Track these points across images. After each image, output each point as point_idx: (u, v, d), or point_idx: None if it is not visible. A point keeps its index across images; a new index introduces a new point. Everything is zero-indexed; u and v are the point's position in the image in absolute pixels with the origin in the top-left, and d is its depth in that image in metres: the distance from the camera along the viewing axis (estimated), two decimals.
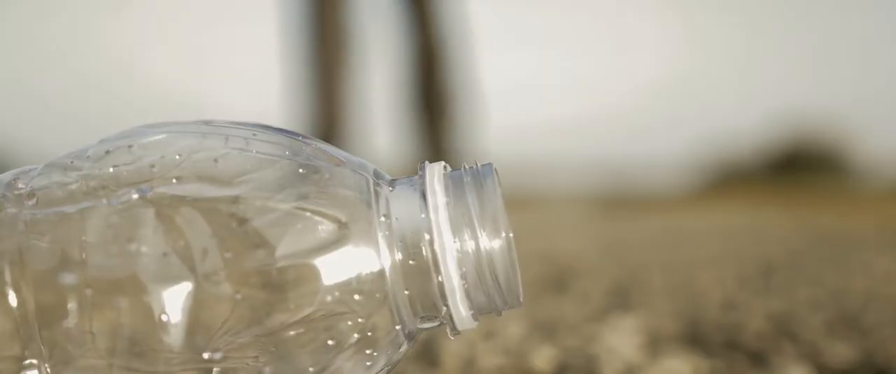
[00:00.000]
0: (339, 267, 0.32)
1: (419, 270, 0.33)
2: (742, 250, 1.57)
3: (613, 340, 0.64)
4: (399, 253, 0.33)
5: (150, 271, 0.31)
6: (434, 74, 2.38)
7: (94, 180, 0.33)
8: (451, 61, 2.40)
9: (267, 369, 0.32)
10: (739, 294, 0.92)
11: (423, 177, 0.34)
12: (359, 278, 0.32)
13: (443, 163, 0.35)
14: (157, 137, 0.34)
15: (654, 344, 0.63)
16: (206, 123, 0.35)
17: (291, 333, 0.31)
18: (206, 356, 0.31)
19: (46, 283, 0.31)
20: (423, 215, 0.33)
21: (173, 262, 0.31)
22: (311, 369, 0.32)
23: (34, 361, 0.32)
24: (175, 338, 0.31)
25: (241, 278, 0.31)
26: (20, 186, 0.33)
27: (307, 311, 0.31)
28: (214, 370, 0.31)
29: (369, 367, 0.33)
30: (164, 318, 0.31)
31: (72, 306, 0.31)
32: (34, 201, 0.33)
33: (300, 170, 0.33)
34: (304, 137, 0.35)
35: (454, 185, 0.34)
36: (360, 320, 0.32)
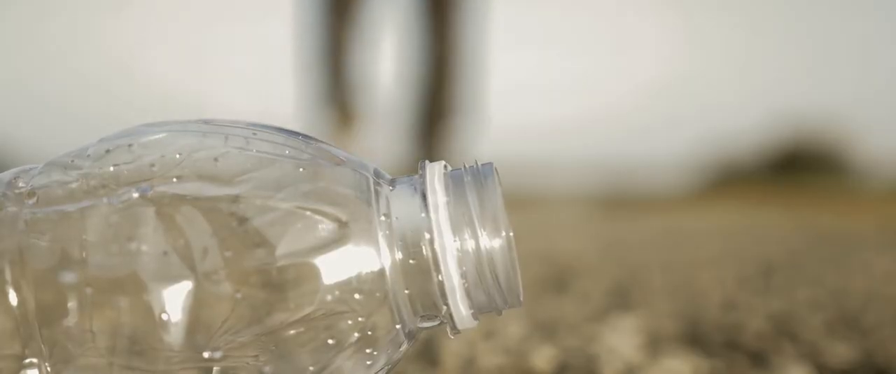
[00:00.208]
0: (339, 266, 0.32)
1: (419, 269, 0.33)
2: (742, 250, 1.57)
3: (613, 340, 0.64)
4: (399, 252, 0.33)
5: (150, 269, 0.31)
6: (444, 79, 2.37)
7: (95, 179, 0.33)
8: (463, 67, 2.39)
9: (267, 368, 0.32)
10: (739, 294, 0.92)
11: (423, 176, 0.34)
12: (359, 277, 0.32)
13: (443, 162, 0.35)
14: (157, 136, 0.34)
15: (654, 344, 0.63)
16: (207, 122, 0.35)
17: (291, 332, 0.31)
18: (206, 354, 0.31)
19: (47, 282, 0.31)
20: (423, 215, 0.33)
21: (173, 261, 0.31)
22: (311, 368, 0.32)
23: (34, 359, 0.32)
24: (175, 337, 0.31)
25: (241, 277, 0.31)
26: (20, 184, 0.33)
27: (307, 310, 0.31)
28: (214, 368, 0.31)
29: (369, 366, 0.33)
30: (164, 317, 0.31)
31: (72, 304, 0.31)
32: (34, 199, 0.33)
33: (300, 169, 0.33)
34: (304, 135, 0.35)
35: (454, 184, 0.34)
36: (360, 319, 0.32)
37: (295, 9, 2.48)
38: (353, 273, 0.32)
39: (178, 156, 0.33)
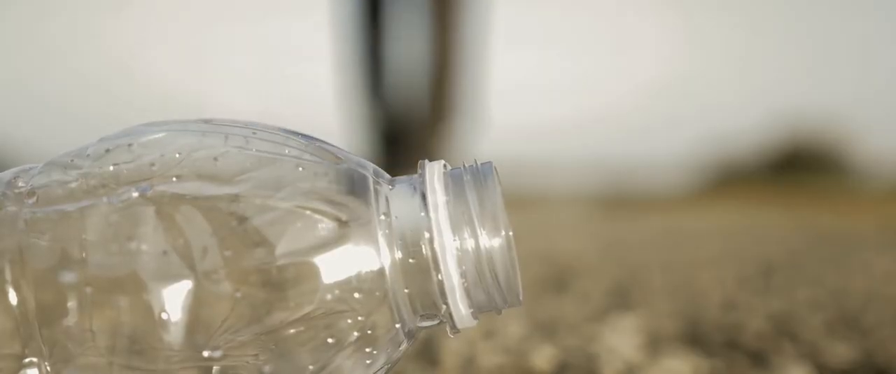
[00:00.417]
0: (338, 265, 0.32)
1: (419, 268, 0.33)
2: (742, 250, 1.57)
3: (613, 340, 0.64)
4: (399, 251, 0.33)
5: (150, 269, 0.31)
6: (446, 79, 2.37)
7: (95, 179, 0.33)
8: (465, 67, 2.39)
9: (267, 367, 0.32)
10: (739, 294, 0.92)
11: (422, 175, 0.34)
12: (359, 276, 0.32)
13: (443, 161, 0.35)
14: (156, 136, 0.34)
15: (654, 344, 0.63)
16: (206, 121, 0.35)
17: (291, 331, 0.31)
18: (206, 354, 0.31)
19: (46, 281, 0.31)
20: (422, 214, 0.33)
21: (173, 260, 0.31)
22: (310, 367, 0.32)
23: (34, 359, 0.32)
24: (175, 336, 0.31)
25: (240, 277, 0.31)
26: (20, 184, 0.33)
27: (307, 309, 0.31)
28: (214, 368, 0.31)
29: (369, 365, 0.33)
30: (164, 316, 0.31)
31: (72, 304, 0.31)
32: (34, 199, 0.33)
33: (300, 168, 0.33)
34: (304, 135, 0.35)
35: (454, 183, 0.34)
36: (359, 318, 0.32)
37: (329, 11, 2.47)
38: (352, 272, 0.32)
39: (177, 155, 0.33)
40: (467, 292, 0.33)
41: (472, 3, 2.37)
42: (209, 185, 0.32)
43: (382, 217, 0.33)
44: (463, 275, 0.33)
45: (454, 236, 0.33)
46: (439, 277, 0.33)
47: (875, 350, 0.62)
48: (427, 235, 0.33)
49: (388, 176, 0.35)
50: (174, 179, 0.32)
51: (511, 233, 0.33)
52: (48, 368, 0.32)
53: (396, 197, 0.33)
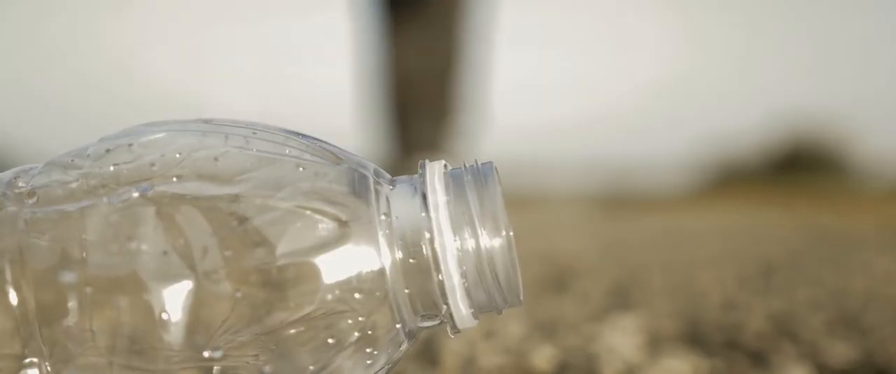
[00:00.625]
0: (339, 266, 0.32)
1: (419, 268, 0.33)
2: (742, 250, 1.57)
3: (613, 339, 0.64)
4: (399, 252, 0.33)
5: (150, 269, 0.31)
6: (449, 78, 2.37)
7: (95, 179, 0.32)
8: (468, 65, 2.39)
9: (267, 367, 0.32)
10: (739, 294, 0.92)
11: (423, 175, 0.34)
12: (359, 276, 0.32)
13: (443, 161, 0.35)
14: (157, 136, 0.34)
15: (654, 344, 0.63)
16: (207, 121, 0.35)
17: (292, 331, 0.31)
18: (206, 354, 0.31)
19: (47, 281, 0.31)
20: (423, 214, 0.33)
21: (173, 260, 0.31)
22: (311, 367, 0.32)
23: (35, 359, 0.32)
24: (175, 336, 0.31)
25: (241, 277, 0.31)
26: (20, 184, 0.33)
27: (307, 309, 0.31)
28: (215, 368, 0.31)
29: (370, 365, 0.33)
30: (164, 316, 0.31)
31: (72, 304, 0.31)
32: (34, 199, 0.33)
33: (300, 168, 0.33)
34: (304, 134, 0.35)
35: (454, 183, 0.34)
36: (360, 318, 0.32)
37: (345, 9, 2.46)
38: (353, 273, 0.32)
39: (178, 155, 0.33)
40: (468, 293, 0.33)
41: (478, 2, 2.37)
42: (209, 185, 0.32)
43: (383, 217, 0.33)
44: (463, 275, 0.33)
45: (455, 236, 0.33)
46: (440, 277, 0.33)
47: (875, 350, 0.62)
48: (428, 235, 0.33)
49: (388, 176, 0.35)
50: (174, 179, 0.32)
51: (511, 233, 0.33)
52: (48, 368, 0.32)
53: (397, 197, 0.33)
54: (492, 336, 0.64)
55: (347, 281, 0.32)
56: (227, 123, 0.35)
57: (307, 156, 0.33)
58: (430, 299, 0.33)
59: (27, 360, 0.32)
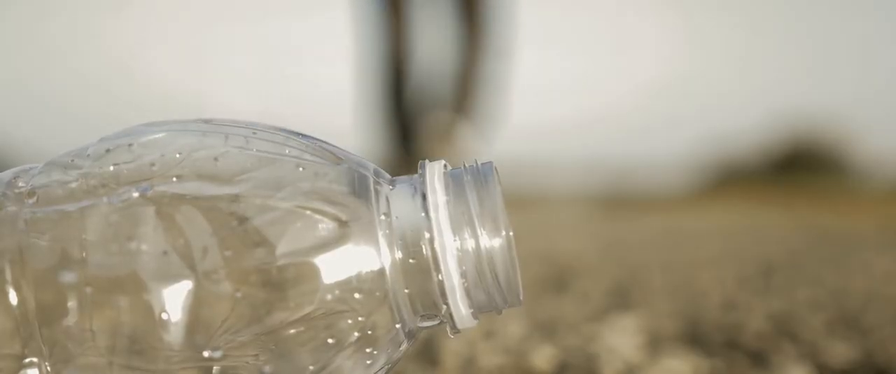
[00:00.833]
0: (339, 266, 0.32)
1: (419, 268, 0.33)
2: (742, 250, 1.57)
3: (613, 339, 0.64)
4: (399, 252, 0.33)
5: (150, 269, 0.31)
6: (468, 75, 2.37)
7: (95, 179, 0.32)
8: (487, 64, 2.38)
9: (267, 367, 0.32)
10: (739, 294, 0.92)
11: (423, 175, 0.34)
12: (359, 276, 0.32)
13: (443, 161, 0.35)
14: (157, 136, 0.34)
15: (654, 344, 0.63)
16: (206, 121, 0.35)
17: (291, 331, 0.31)
18: (206, 354, 0.31)
19: (47, 281, 0.31)
20: (423, 214, 0.33)
21: (173, 260, 0.31)
22: (311, 367, 0.32)
23: (34, 359, 0.32)
24: (175, 336, 0.31)
25: (241, 277, 0.31)
26: (20, 184, 0.33)
27: (307, 309, 0.31)
28: (214, 368, 0.31)
29: (369, 365, 0.33)
30: (164, 316, 0.31)
31: (72, 304, 0.31)
32: (34, 199, 0.33)
33: (300, 168, 0.33)
34: (304, 135, 0.35)
35: (454, 183, 0.34)
36: (360, 318, 0.32)
37: (347, 9, 2.46)
38: (353, 273, 0.32)
39: (178, 155, 0.33)
40: (467, 293, 0.33)
41: (497, 2, 2.37)
42: (209, 185, 0.32)
43: (383, 217, 0.33)
44: (463, 275, 0.33)
45: (454, 236, 0.33)
46: (440, 277, 0.33)
47: (875, 350, 0.62)
48: (427, 235, 0.33)
49: (388, 176, 0.35)
50: (174, 179, 0.32)
51: (511, 233, 0.33)
52: (48, 368, 0.32)
53: (397, 197, 0.33)
54: (492, 336, 0.64)
55: (347, 281, 0.32)
56: (227, 123, 0.35)
57: (307, 156, 0.33)
58: (429, 299, 0.33)
59: (27, 360, 0.32)
